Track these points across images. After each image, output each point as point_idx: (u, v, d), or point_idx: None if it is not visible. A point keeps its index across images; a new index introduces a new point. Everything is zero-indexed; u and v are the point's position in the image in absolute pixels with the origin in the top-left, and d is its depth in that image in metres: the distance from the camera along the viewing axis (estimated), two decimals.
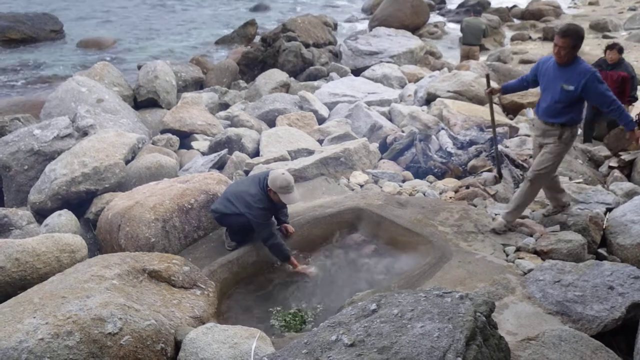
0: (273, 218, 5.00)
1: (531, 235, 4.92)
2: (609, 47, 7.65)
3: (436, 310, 2.64)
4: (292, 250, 4.84)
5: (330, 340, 2.58)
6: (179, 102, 9.24)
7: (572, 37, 4.35)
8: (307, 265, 4.79)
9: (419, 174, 6.66)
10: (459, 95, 8.86)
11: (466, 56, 12.64)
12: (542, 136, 4.78)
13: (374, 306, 2.81)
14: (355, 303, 3.21)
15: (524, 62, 13.48)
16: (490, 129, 6.74)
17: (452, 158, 6.86)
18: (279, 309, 4.30)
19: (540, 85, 4.80)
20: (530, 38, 16.91)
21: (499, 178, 6.23)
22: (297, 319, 4.11)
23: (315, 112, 8.80)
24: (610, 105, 4.41)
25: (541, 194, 5.35)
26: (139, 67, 11.55)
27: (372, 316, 2.72)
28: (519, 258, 4.57)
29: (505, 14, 19.96)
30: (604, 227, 5.04)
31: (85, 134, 6.83)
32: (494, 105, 6.57)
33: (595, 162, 7.02)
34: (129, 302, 3.32)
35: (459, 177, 6.53)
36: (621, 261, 4.57)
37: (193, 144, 7.75)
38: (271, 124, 8.63)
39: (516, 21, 19.86)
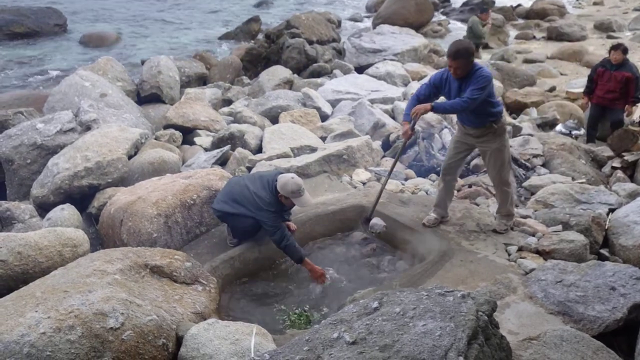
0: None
1: (533, 235, 4.91)
2: (614, 48, 7.62)
3: (438, 308, 2.64)
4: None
5: (332, 338, 2.58)
6: (182, 97, 9.24)
7: (464, 57, 4.34)
8: (324, 270, 4.58)
9: (422, 173, 6.65)
10: None
11: None
12: (478, 138, 4.74)
13: (375, 304, 2.80)
14: (357, 301, 3.21)
15: (527, 61, 13.43)
16: None
17: None
18: (283, 307, 4.28)
19: (447, 100, 4.71)
20: (534, 37, 16.83)
21: (365, 221, 5.19)
22: (302, 319, 4.09)
23: (318, 109, 8.79)
24: (468, 96, 4.31)
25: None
26: (143, 62, 11.54)
27: (374, 314, 2.71)
28: (521, 257, 4.56)
29: (510, 13, 19.87)
30: (606, 227, 5.03)
31: (88, 128, 6.83)
32: None
33: (598, 163, 7.00)
34: (130, 297, 3.32)
35: (461, 176, 6.52)
36: (623, 262, 4.56)
37: (196, 139, 7.74)
38: (274, 120, 8.62)
39: (520, 20, 19.77)
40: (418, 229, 5.02)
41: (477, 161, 6.63)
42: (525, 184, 6.16)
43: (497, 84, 9.76)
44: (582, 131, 8.34)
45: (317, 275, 4.53)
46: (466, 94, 4.36)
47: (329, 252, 5.04)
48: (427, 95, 4.73)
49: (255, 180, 4.72)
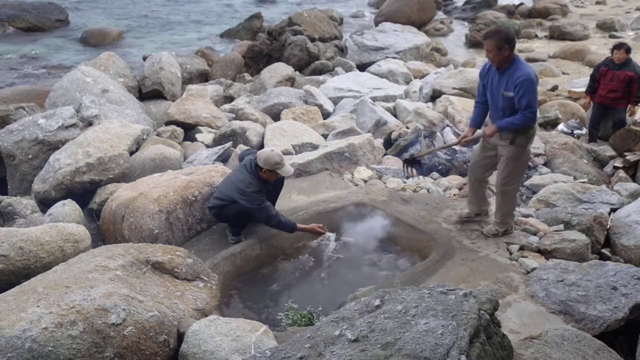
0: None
1: (535, 234, 4.90)
2: (617, 47, 7.61)
3: (440, 307, 2.64)
4: None
5: (334, 335, 2.58)
6: (184, 94, 9.24)
7: (493, 37, 4.19)
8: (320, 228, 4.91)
9: (423, 171, 6.64)
10: (465, 92, 8.83)
11: None
12: (497, 139, 4.60)
13: (377, 302, 2.80)
14: (358, 298, 3.21)
15: (529, 60, 13.40)
16: None
17: (457, 155, 6.84)
18: (288, 305, 4.26)
19: (487, 94, 4.59)
20: (536, 36, 16.82)
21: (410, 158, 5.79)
22: (304, 319, 4.07)
23: (320, 106, 8.79)
24: (526, 109, 4.22)
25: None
26: (145, 58, 11.53)
27: (376, 312, 2.71)
28: (522, 257, 4.56)
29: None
30: (608, 227, 5.02)
31: (89, 124, 6.82)
32: None
33: (600, 162, 7.00)
34: (132, 293, 3.32)
35: (463, 175, 6.51)
36: (625, 262, 4.56)
37: (197, 136, 7.74)
38: (276, 117, 8.62)
39: (522, 19, 19.73)
40: (419, 227, 5.02)
41: None
42: (527, 183, 6.15)
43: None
44: (584, 130, 8.32)
45: (315, 232, 4.87)
46: (531, 103, 4.19)
47: (329, 250, 5.03)
48: (482, 96, 4.65)
49: (237, 169, 4.90)
